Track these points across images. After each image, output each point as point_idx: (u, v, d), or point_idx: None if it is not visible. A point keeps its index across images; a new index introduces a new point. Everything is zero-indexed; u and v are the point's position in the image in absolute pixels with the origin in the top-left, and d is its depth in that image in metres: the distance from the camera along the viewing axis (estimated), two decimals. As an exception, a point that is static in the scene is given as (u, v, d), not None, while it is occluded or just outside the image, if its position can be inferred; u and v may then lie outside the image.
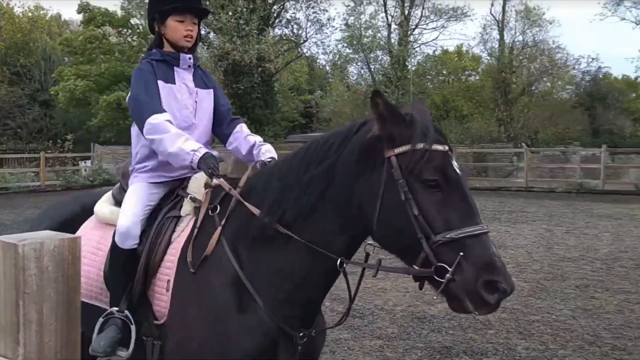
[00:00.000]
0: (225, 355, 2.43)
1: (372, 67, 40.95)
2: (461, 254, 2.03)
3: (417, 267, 2.13)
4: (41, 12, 47.40)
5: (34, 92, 40.37)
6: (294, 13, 35.69)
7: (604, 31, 73.84)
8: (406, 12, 39.22)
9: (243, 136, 3.15)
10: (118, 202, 3.02)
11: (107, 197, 3.15)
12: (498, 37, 41.70)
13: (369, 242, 2.39)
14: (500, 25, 41.44)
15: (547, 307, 6.70)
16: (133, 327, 2.66)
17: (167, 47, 3.01)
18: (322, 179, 2.38)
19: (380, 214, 2.21)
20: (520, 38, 41.77)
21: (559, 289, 7.61)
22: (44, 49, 42.54)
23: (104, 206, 3.09)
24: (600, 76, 43.48)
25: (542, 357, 5.14)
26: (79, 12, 35.62)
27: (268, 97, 32.68)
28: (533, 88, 42.24)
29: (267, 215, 2.47)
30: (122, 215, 2.79)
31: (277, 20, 35.19)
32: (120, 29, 36.34)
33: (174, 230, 2.74)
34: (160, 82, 2.90)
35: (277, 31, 35.69)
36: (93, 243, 2.99)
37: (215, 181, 2.68)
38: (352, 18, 38.83)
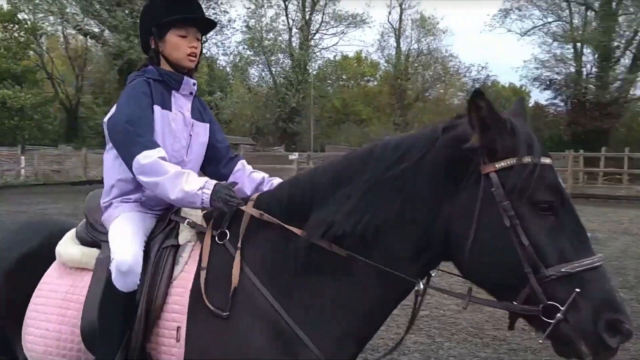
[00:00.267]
0: None
1: (274, 69, 41.12)
2: (577, 290, 1.73)
3: (517, 304, 1.81)
4: None
5: None
6: (193, 13, 35.04)
7: (492, 42, 78.23)
8: (307, 16, 39.74)
9: (246, 174, 2.71)
10: (86, 243, 2.53)
11: (70, 236, 2.59)
12: (395, 44, 43.20)
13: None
14: (397, 33, 42.96)
15: (436, 303, 7.03)
16: None
17: (164, 65, 2.52)
18: (394, 192, 1.96)
19: (474, 243, 1.84)
20: (416, 46, 43.60)
21: (446, 285, 8.00)
22: None
23: (70, 247, 2.52)
24: (489, 84, 45.95)
25: (428, 350, 5.39)
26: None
27: (166, 98, 31.89)
28: (427, 94, 44.14)
29: (316, 235, 2.02)
30: (119, 249, 2.23)
31: (176, 20, 34.47)
32: (7, 24, 34.26)
33: (174, 264, 2.26)
34: (156, 108, 2.42)
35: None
36: (59, 295, 2.41)
37: (251, 211, 2.23)
38: (253, 20, 38.86)
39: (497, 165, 1.83)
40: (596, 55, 32.71)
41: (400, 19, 42.67)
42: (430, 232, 1.94)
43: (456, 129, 1.94)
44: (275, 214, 2.16)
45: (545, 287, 1.76)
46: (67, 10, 28.61)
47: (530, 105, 40.80)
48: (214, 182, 2.24)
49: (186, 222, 2.32)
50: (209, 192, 2.19)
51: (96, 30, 30.06)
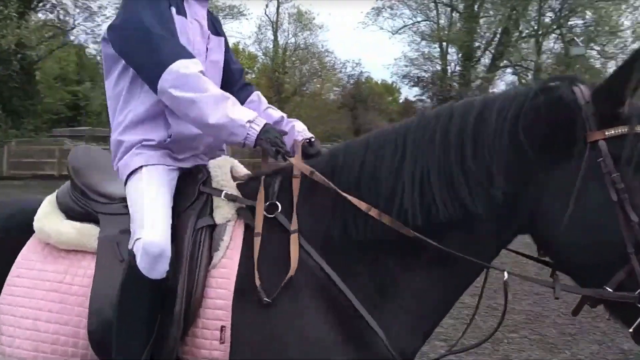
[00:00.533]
0: None
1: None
2: None
3: (610, 290, 1.60)
4: None
5: None
6: (60, -3, 33.14)
7: (366, 39, 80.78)
8: (182, 6, 38.82)
9: (262, 108, 2.31)
10: (76, 216, 2.05)
11: (51, 206, 2.11)
12: (272, 37, 43.30)
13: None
14: (274, 26, 43.05)
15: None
16: None
17: None
18: (485, 163, 1.68)
19: (572, 219, 1.62)
20: (293, 40, 43.87)
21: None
22: None
23: (55, 222, 2.03)
24: (363, 80, 47.38)
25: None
26: None
27: (28, 87, 29.95)
28: (304, 88, 44.66)
29: (386, 213, 1.74)
30: (147, 225, 1.80)
31: (40, 4, 32.37)
32: None
33: (210, 248, 1.85)
34: (172, 11, 1.98)
35: (41, 16, 32.84)
36: (49, 286, 1.95)
37: (299, 164, 1.87)
38: (124, 8, 37.30)
39: (606, 133, 1.61)
40: (460, 55, 34.73)
41: (278, 13, 42.83)
42: (515, 208, 1.70)
43: (556, 91, 1.69)
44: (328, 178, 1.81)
45: None
46: None
47: (401, 101, 42.67)
48: (264, 119, 1.89)
49: (223, 194, 1.91)
50: (258, 128, 1.84)
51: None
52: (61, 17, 33.62)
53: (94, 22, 33.80)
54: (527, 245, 1.89)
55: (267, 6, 42.75)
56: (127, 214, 1.95)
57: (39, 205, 2.13)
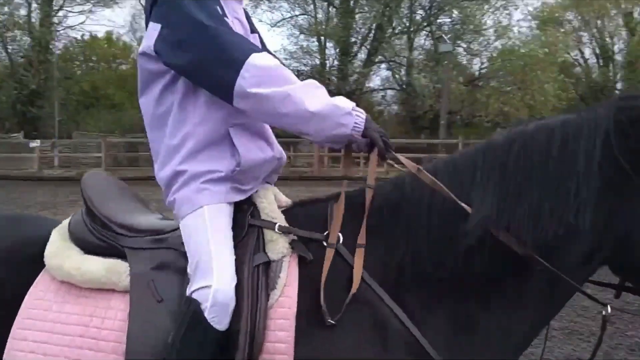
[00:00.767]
0: None
1: (10, 47, 37.15)
2: None
3: None
4: None
5: None
6: None
7: (247, 30, 79.97)
8: (48, -9, 36.54)
9: None
10: (95, 249, 1.82)
11: (62, 239, 1.85)
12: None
13: None
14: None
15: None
16: None
17: None
18: (587, 182, 1.56)
19: None
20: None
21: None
22: None
23: (75, 259, 1.79)
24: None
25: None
26: None
27: None
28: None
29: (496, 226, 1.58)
30: (212, 271, 1.60)
31: None
32: None
33: (267, 288, 1.65)
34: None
35: None
36: (72, 330, 1.71)
37: (413, 165, 1.68)
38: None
39: None
40: (337, 50, 35.47)
41: (153, 2, 41.52)
42: (604, 234, 1.60)
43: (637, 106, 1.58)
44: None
45: None
46: None
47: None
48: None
49: (277, 227, 1.71)
50: (363, 116, 1.67)
51: None
52: None
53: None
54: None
55: (141, -6, 41.29)
56: (156, 248, 1.78)
57: (33, 230, 1.93)
